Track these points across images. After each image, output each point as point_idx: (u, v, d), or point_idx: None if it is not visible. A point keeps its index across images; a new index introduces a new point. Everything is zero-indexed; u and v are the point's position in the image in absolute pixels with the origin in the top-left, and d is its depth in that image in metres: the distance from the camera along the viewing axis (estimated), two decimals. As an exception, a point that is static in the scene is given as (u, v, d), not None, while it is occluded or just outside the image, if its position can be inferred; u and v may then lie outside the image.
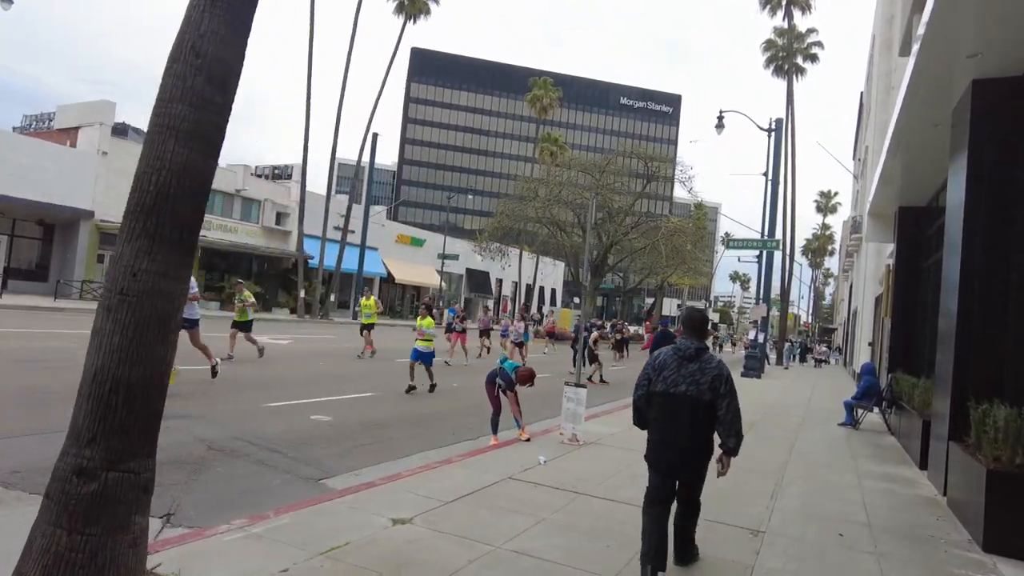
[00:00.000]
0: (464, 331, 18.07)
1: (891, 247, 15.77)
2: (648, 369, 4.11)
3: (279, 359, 14.43)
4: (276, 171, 41.52)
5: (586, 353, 16.54)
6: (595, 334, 16.60)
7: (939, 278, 10.91)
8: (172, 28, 3.40)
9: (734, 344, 53.71)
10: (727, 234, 24.16)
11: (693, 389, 3.87)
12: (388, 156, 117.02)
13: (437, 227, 73.82)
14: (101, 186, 29.06)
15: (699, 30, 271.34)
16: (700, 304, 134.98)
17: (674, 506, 4.11)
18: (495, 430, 7.82)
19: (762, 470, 7.34)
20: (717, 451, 4.04)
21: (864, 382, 11.42)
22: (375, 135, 39.33)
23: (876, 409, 11.59)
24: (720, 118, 25.27)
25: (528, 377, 7.84)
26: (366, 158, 39.15)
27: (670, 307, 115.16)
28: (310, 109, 34.24)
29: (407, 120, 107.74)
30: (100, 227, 29.20)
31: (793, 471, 7.47)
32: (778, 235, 30.27)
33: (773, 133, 25.71)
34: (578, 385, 7.91)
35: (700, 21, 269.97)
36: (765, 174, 24.95)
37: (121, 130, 50.92)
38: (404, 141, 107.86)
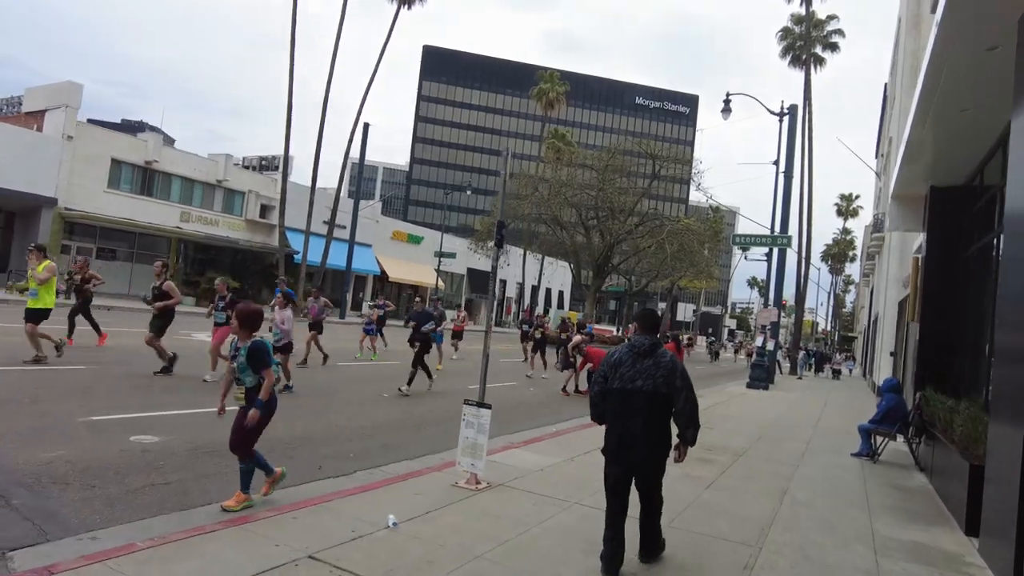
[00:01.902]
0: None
1: (919, 238, 13.35)
2: (603, 367, 4.15)
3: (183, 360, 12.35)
4: (263, 162, 39.71)
5: (560, 358, 14.32)
6: (577, 337, 14.33)
7: (984, 270, 8.59)
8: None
9: (737, 352, 50.25)
10: (734, 236, 21.80)
11: (649, 384, 3.94)
12: (403, 156, 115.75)
13: (439, 226, 72.18)
14: (66, 172, 27.35)
15: (717, 26, 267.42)
16: (716, 310, 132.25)
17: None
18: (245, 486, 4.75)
19: (734, 534, 5.05)
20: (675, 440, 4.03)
21: (885, 401, 9.02)
22: (366, 125, 37.35)
23: (901, 436, 9.19)
24: (727, 102, 22.90)
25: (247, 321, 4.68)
26: (356, 150, 37.17)
27: (684, 312, 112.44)
28: (292, 96, 32.38)
29: (419, 119, 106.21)
30: (64, 216, 27.48)
31: (779, 536, 5.17)
32: (793, 235, 27.69)
33: (787, 119, 23.27)
34: (481, 405, 5.67)
35: (720, 20, 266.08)
36: (776, 163, 22.50)
37: (138, 127, 49.98)
38: (415, 140, 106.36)
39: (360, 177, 37.60)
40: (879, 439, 9.09)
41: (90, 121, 33.74)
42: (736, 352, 50.14)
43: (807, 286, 37.17)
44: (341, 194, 38.58)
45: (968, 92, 6.67)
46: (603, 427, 4.19)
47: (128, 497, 4.83)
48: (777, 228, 23.01)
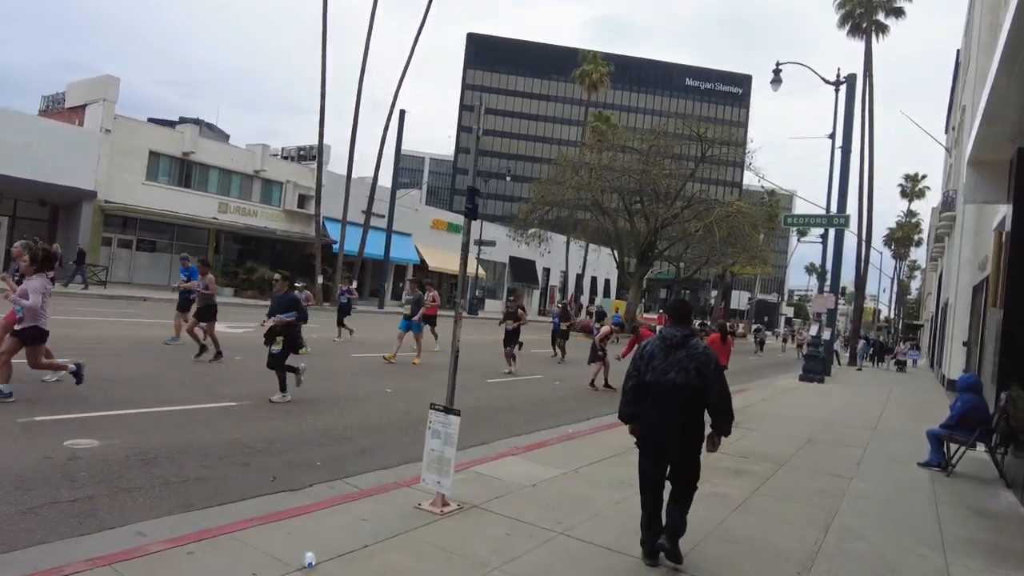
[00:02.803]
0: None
1: (1000, 212, 11.62)
2: (637, 360, 4.13)
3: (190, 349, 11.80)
4: (302, 152, 39.52)
5: (590, 349, 13.19)
6: (605, 328, 13.15)
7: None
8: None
9: (786, 341, 45.56)
10: (786, 217, 19.79)
11: (682, 376, 3.92)
12: (449, 147, 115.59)
13: (488, 216, 71.39)
14: (104, 165, 27.58)
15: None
16: (772, 297, 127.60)
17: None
18: None
19: (760, 581, 3.91)
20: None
21: (962, 402, 7.56)
22: (402, 112, 36.71)
23: (981, 445, 7.72)
24: (777, 71, 21.09)
25: None
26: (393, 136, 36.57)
27: (739, 300, 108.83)
28: (325, 84, 31.91)
29: (463, 108, 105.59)
30: (104, 208, 27.76)
31: (822, 583, 3.99)
32: (852, 215, 25.51)
33: (844, 89, 21.28)
34: (449, 411, 4.65)
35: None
36: (831, 136, 20.58)
37: (196, 124, 51.24)
38: (460, 129, 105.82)
39: (397, 165, 36.98)
40: (953, 447, 7.65)
41: (150, 120, 34.20)
42: (785, 341, 45.65)
43: (867, 271, 34.69)
44: (381, 183, 38.08)
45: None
46: (625, 428, 4.26)
47: (14, 519, 4.03)
48: (834, 208, 21.13)
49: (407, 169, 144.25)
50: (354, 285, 15.76)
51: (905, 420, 12.52)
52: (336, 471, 5.76)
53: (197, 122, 53.30)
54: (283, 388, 8.22)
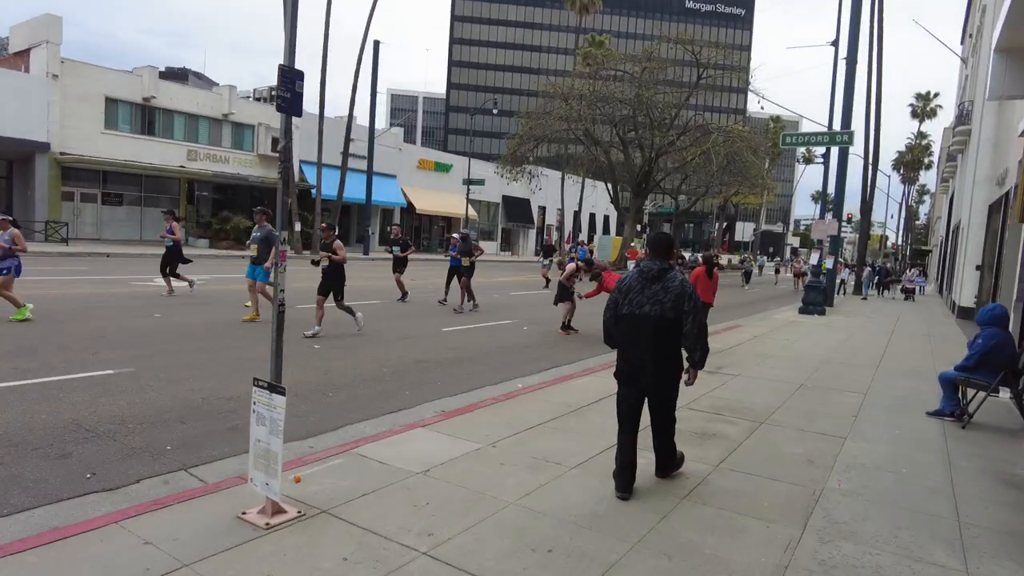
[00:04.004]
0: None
1: (1029, 112, 9.98)
2: (615, 293, 4.16)
3: (138, 307, 10.52)
4: (274, 92, 37.33)
5: (558, 288, 11.86)
6: (571, 266, 11.77)
7: None
8: None
9: (778, 272, 42.33)
10: (784, 135, 17.80)
11: (656, 309, 3.95)
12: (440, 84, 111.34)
13: (480, 155, 68.96)
14: (56, 114, 25.81)
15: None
16: (778, 228, 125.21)
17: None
18: None
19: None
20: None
21: (984, 339, 6.16)
22: (376, 42, 34.39)
23: (1005, 391, 6.39)
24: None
25: None
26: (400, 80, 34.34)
27: (743, 231, 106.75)
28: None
29: (453, 41, 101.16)
30: (60, 160, 26.14)
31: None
32: (857, 133, 23.51)
33: (850, -11, 19.05)
34: (274, 388, 3.33)
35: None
36: (834, 43, 18.54)
37: (181, 75, 48.68)
38: (451, 64, 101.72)
39: (374, 99, 34.86)
40: (970, 392, 6.35)
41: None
42: (777, 272, 42.47)
43: (874, 195, 32.77)
44: (359, 123, 35.99)
45: None
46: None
47: None
48: (837, 125, 19.30)
49: (401, 110, 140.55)
50: (177, 223, 12.88)
51: (912, 355, 11.23)
52: (188, 457, 4.54)
53: (185, 72, 50.93)
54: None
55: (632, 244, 35.18)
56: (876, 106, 28.59)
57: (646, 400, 4.07)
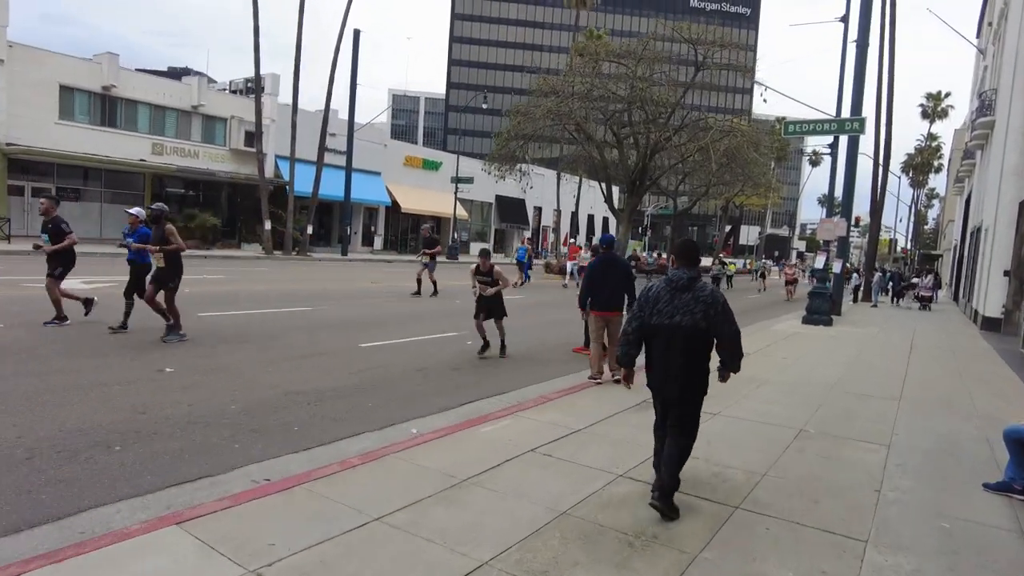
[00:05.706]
0: None
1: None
2: (641, 302, 4.04)
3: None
4: (249, 84, 35.43)
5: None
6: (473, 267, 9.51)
7: None
8: None
9: (764, 277, 35.96)
10: (786, 123, 15.79)
11: (688, 319, 3.84)
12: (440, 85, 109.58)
13: (481, 154, 66.97)
14: (3, 101, 23.99)
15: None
16: (783, 231, 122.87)
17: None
18: None
19: None
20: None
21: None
22: (356, 31, 32.52)
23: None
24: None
25: None
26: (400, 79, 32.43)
27: (748, 235, 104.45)
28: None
29: (453, 39, 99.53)
30: (7, 152, 24.31)
31: None
32: (867, 126, 21.29)
33: (861, -38, 16.98)
34: None
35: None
36: (844, 19, 16.48)
37: (183, 73, 47.06)
38: (451, 63, 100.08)
39: (353, 91, 32.93)
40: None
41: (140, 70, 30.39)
42: (763, 278, 35.85)
43: (884, 195, 30.61)
44: (340, 116, 34.05)
45: None
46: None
47: None
48: (846, 113, 17.25)
49: (403, 110, 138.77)
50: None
51: (939, 379, 9.17)
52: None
53: (187, 71, 49.33)
54: None
55: (632, 246, 33.16)
56: (888, 94, 26.38)
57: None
